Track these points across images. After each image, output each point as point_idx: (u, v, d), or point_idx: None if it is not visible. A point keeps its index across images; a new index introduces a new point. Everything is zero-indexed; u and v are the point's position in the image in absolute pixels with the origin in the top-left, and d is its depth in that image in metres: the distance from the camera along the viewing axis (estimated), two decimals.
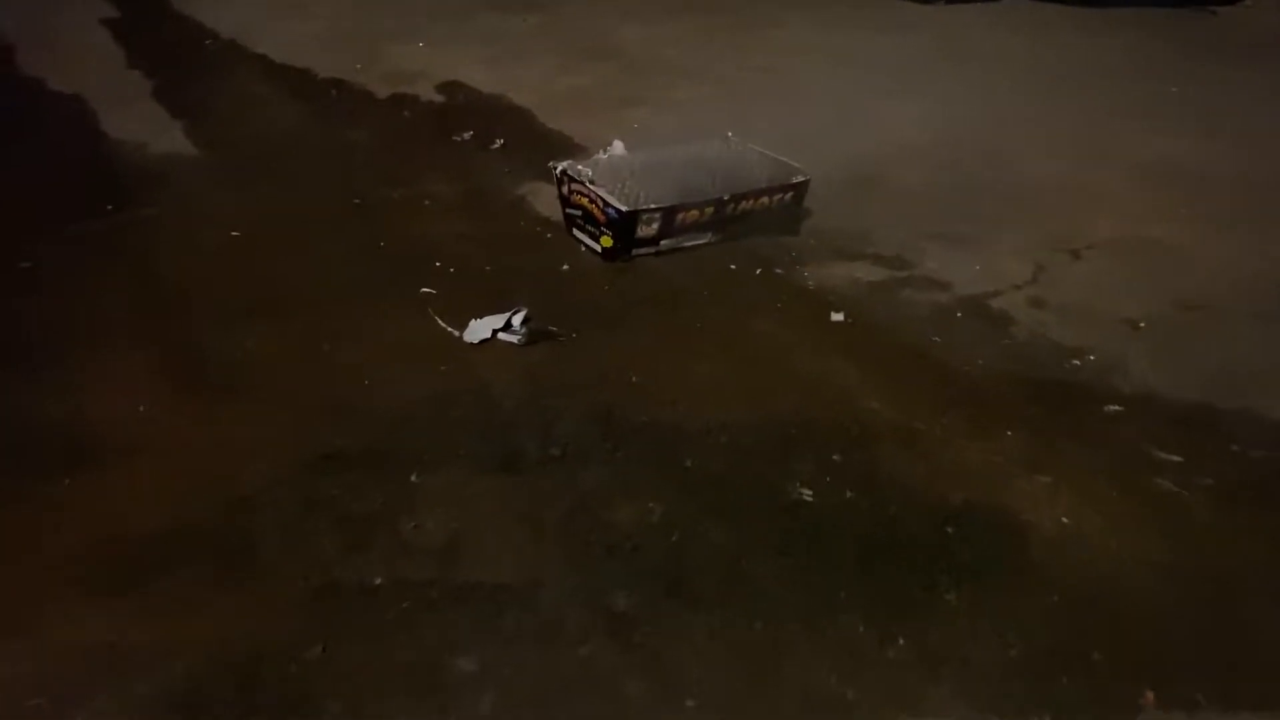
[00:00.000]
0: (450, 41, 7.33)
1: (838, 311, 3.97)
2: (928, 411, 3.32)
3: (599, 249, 4.38)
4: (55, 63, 6.72)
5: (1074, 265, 4.36)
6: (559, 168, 4.55)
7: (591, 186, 4.35)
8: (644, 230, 4.29)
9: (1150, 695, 2.44)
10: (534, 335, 3.79)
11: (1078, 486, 3.01)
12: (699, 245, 4.49)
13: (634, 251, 4.38)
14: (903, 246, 4.49)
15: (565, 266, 4.33)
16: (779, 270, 4.32)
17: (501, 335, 3.77)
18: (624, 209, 4.19)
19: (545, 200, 4.77)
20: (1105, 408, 3.37)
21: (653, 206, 4.24)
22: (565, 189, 4.52)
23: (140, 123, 5.89)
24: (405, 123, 6.04)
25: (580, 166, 4.47)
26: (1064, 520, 2.91)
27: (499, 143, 5.68)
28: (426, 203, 4.92)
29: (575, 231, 4.53)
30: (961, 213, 4.75)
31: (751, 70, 6.75)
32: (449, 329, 3.82)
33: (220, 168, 5.35)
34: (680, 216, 4.32)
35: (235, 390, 3.40)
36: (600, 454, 3.14)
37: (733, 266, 4.36)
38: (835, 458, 3.11)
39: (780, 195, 4.50)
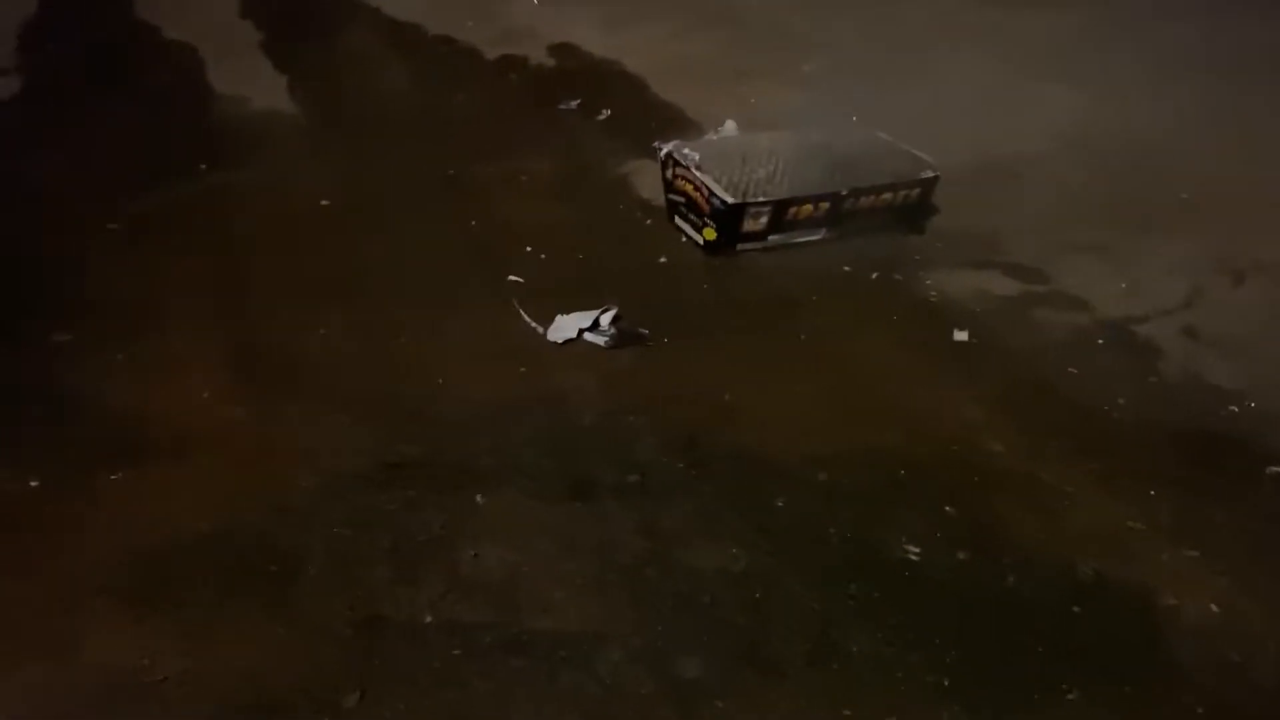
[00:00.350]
0: None
1: (961, 330, 3.54)
2: (1058, 460, 2.89)
3: (701, 241, 4.00)
4: (172, 9, 6.53)
5: (1236, 290, 3.82)
6: (664, 149, 4.17)
7: (697, 173, 3.96)
8: (751, 225, 3.89)
9: None
10: (622, 337, 3.45)
11: (1232, 566, 2.57)
12: (811, 241, 4.06)
13: (739, 246, 3.97)
14: (1040, 255, 4.01)
15: (663, 259, 3.96)
16: (898, 276, 3.88)
17: (588, 336, 3.45)
18: (730, 200, 3.80)
19: (649, 181, 4.42)
20: (1268, 469, 2.87)
21: (761, 200, 3.85)
22: (669, 172, 4.14)
23: (245, 77, 5.68)
24: (511, 87, 5.71)
25: (687, 150, 4.09)
26: (1214, 608, 2.48)
27: (605, 113, 5.30)
28: (523, 179, 4.59)
29: (677, 219, 4.16)
30: (1110, 218, 4.23)
31: (884, 44, 6.20)
32: (533, 324, 3.50)
33: (318, 129, 5.11)
34: (792, 211, 3.91)
35: (299, 384, 3.16)
36: (682, 485, 2.80)
37: (847, 269, 3.94)
38: (948, 509, 2.71)
39: (905, 192, 4.06)
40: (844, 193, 3.93)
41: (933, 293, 3.80)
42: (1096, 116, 5.12)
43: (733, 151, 4.21)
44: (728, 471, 2.84)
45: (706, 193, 3.90)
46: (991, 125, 4.98)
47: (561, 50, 6.20)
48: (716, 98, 5.43)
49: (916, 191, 4.08)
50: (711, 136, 4.49)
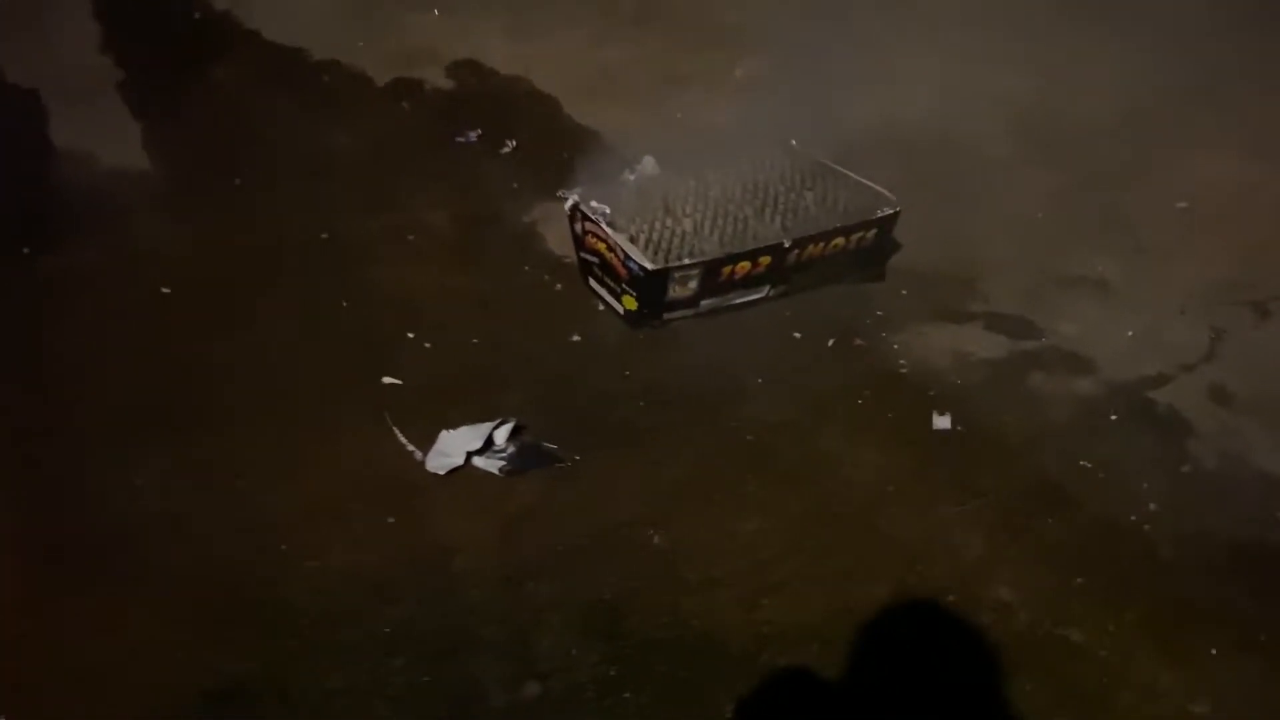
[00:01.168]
0: (472, 7, 6.01)
1: (942, 415, 2.76)
2: (1085, 606, 2.19)
3: (621, 310, 3.21)
4: (16, 44, 5.57)
5: (1262, 328, 3.03)
6: (569, 199, 3.33)
7: (609, 230, 3.12)
8: (678, 290, 3.10)
9: None
10: (523, 458, 2.68)
11: None
12: (753, 302, 3.23)
13: (666, 316, 3.15)
14: (1026, 297, 3.29)
15: (576, 336, 3.18)
16: (859, 340, 3.13)
17: (478, 461, 2.62)
18: (649, 266, 2.97)
19: (560, 231, 3.67)
20: None
21: (688, 262, 3.02)
22: (579, 226, 3.33)
23: (94, 127, 4.76)
24: (402, 119, 4.84)
25: (594, 202, 3.24)
26: None
27: (510, 145, 4.48)
28: (410, 237, 3.76)
29: (592, 282, 3.36)
30: (1101, 239, 3.53)
31: (828, 34, 5.36)
32: (410, 447, 2.70)
33: (172, 189, 4.24)
34: (727, 270, 3.08)
35: (105, 567, 2.35)
36: (597, 693, 1.98)
37: (797, 335, 3.17)
38: (955, 700, 1.89)
39: (861, 234, 3.24)
40: (787, 244, 3.13)
41: (902, 361, 3.05)
42: (1071, 108, 4.34)
43: (653, 196, 3.41)
44: (660, 664, 2.06)
45: (622, 255, 3.10)
46: (952, 124, 4.19)
47: (463, 69, 5.33)
48: (638, 116, 4.65)
49: (873, 232, 3.28)
50: (628, 177, 3.65)
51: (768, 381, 3.00)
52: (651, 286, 3.11)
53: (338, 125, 4.65)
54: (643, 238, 3.21)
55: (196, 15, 6.18)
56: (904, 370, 3.03)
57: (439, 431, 2.81)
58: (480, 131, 4.57)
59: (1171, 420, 2.78)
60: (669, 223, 3.29)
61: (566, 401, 2.93)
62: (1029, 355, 3.08)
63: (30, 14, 6.11)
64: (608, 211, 3.28)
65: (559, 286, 3.49)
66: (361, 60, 5.30)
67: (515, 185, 4.15)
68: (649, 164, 3.76)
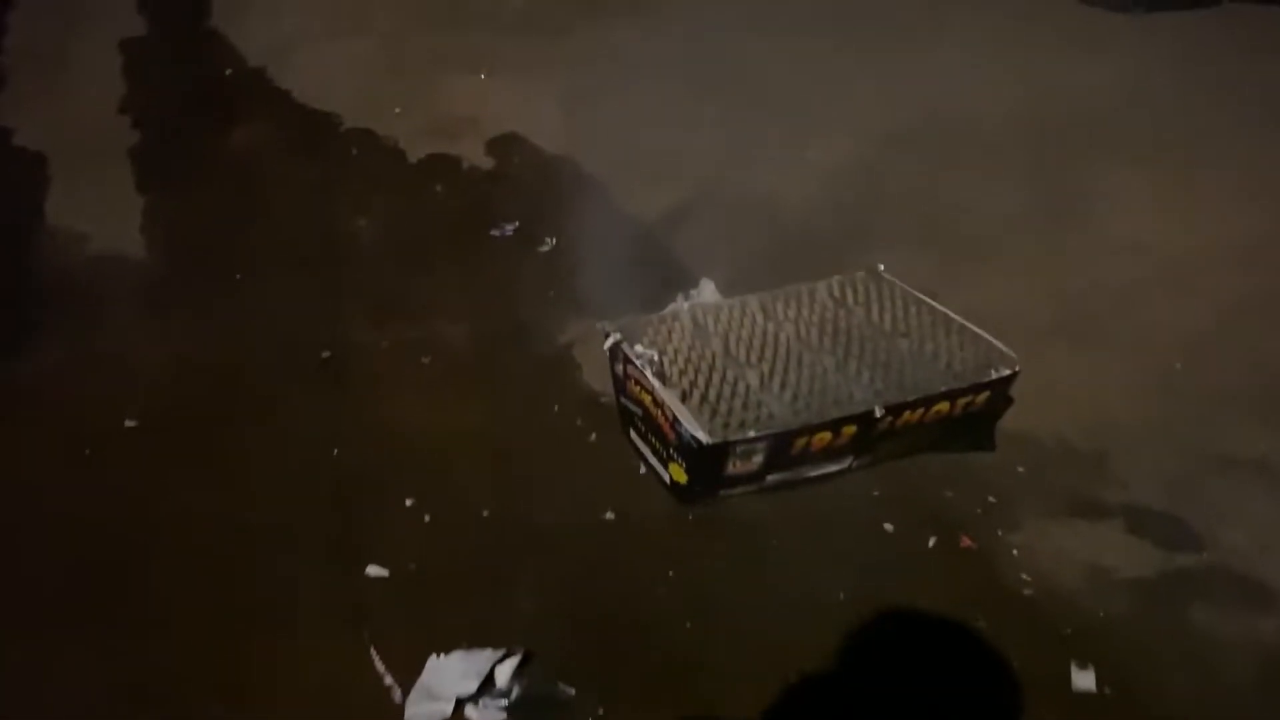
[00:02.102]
0: (524, 69, 5.38)
1: (1084, 666, 1.97)
2: None
3: (667, 479, 2.46)
4: (37, 101, 5.07)
5: None
6: (610, 336, 2.62)
7: (657, 385, 2.41)
8: (738, 466, 2.40)
9: None
10: (529, 709, 1.90)
11: None
12: (830, 474, 2.48)
13: (722, 493, 2.42)
14: (1173, 485, 2.55)
15: (609, 514, 2.46)
16: (968, 539, 2.35)
17: (471, 713, 1.88)
18: (705, 440, 2.24)
19: (597, 359, 3.01)
20: None
21: (754, 435, 2.30)
22: (619, 368, 2.61)
23: (93, 201, 4.21)
24: (433, 203, 4.21)
25: (639, 348, 2.54)
26: None
27: (550, 242, 3.78)
28: (425, 360, 3.12)
29: (633, 435, 2.62)
30: (1261, 402, 2.70)
31: (911, 106, 4.64)
32: (388, 680, 2.01)
33: (162, 282, 3.63)
34: (801, 443, 2.34)
35: None
36: None
37: (889, 527, 2.46)
38: None
39: (968, 399, 2.48)
40: (879, 413, 2.38)
41: (1025, 576, 2.33)
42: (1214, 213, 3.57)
43: (711, 335, 2.70)
44: None
45: (670, 416, 2.36)
46: (1068, 241, 3.44)
47: (505, 144, 4.69)
48: (691, 202, 3.91)
49: (984, 396, 2.51)
50: (681, 305, 2.94)
51: (852, 599, 2.24)
52: (706, 460, 2.38)
53: (360, 208, 4.02)
54: (697, 394, 2.51)
55: (228, 72, 5.60)
56: (1029, 591, 2.28)
57: (427, 655, 2.09)
58: (518, 224, 3.88)
59: None
60: (730, 373, 2.58)
61: (591, 614, 2.24)
62: (1188, 576, 2.33)
63: (55, 66, 5.60)
64: (655, 359, 2.58)
65: (593, 437, 2.80)
66: (396, 130, 4.69)
67: (551, 293, 3.45)
68: (708, 290, 3.07)
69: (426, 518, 2.52)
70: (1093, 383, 2.97)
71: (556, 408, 2.93)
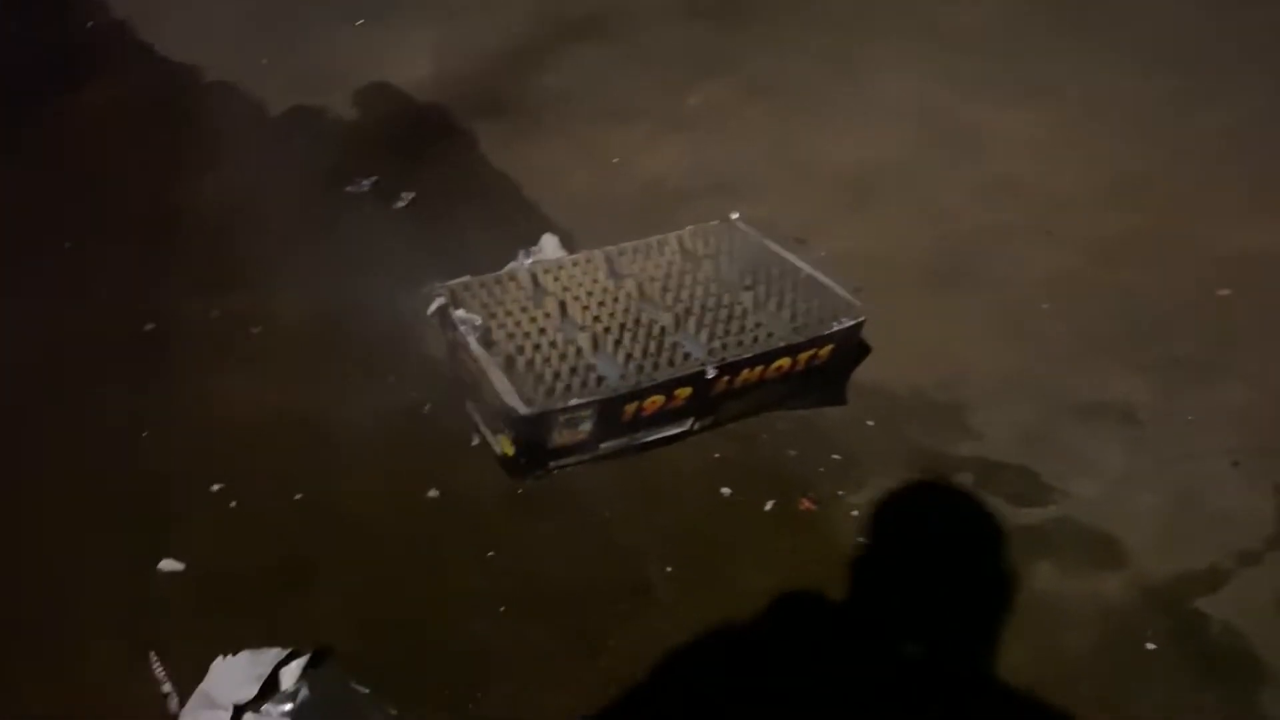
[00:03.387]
0: (400, 14, 5.05)
1: (919, 641, 1.79)
2: None
3: (498, 450, 2.25)
4: None
5: None
6: (436, 299, 2.41)
7: (480, 351, 2.20)
8: (565, 436, 2.20)
9: None
10: (316, 712, 1.68)
11: None
12: (672, 437, 2.31)
13: (553, 464, 2.23)
14: (1029, 436, 2.48)
15: (433, 492, 2.24)
16: (808, 500, 2.20)
17: None
18: (523, 410, 2.04)
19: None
20: None
21: (576, 402, 2.11)
22: (449, 334, 2.39)
23: None
24: (288, 159, 3.91)
25: (462, 312, 2.33)
26: None
27: (407, 198, 3.51)
28: (254, 330, 2.87)
29: (469, 404, 2.40)
30: (1127, 344, 2.68)
31: (809, 59, 4.41)
32: (167, 687, 1.83)
33: None
34: (632, 408, 2.16)
35: None
36: None
37: (726, 491, 2.27)
38: None
39: (811, 353, 2.30)
40: (710, 373, 2.19)
41: (862, 538, 2.09)
42: (1080, 148, 3.41)
43: (547, 296, 2.49)
44: None
45: (493, 389, 2.15)
46: (936, 181, 3.30)
47: (373, 94, 4.41)
48: (568, 159, 3.79)
49: (829, 348, 2.34)
50: (520, 263, 2.73)
51: (679, 571, 2.07)
52: (529, 432, 2.19)
53: (210, 167, 3.69)
54: (523, 359, 2.29)
55: (89, 24, 5.23)
56: (866, 553, 2.08)
57: (215, 656, 1.87)
58: (376, 179, 3.62)
59: (1232, 653, 1.84)
60: (562, 336, 2.38)
61: (398, 605, 2.03)
62: (1036, 534, 2.17)
63: None
64: (478, 323, 2.36)
65: (428, 408, 2.58)
66: (261, 83, 4.41)
67: (403, 255, 3.19)
68: (549, 245, 2.86)
69: (233, 504, 2.31)
70: (954, 330, 2.82)
71: (392, 378, 2.72)
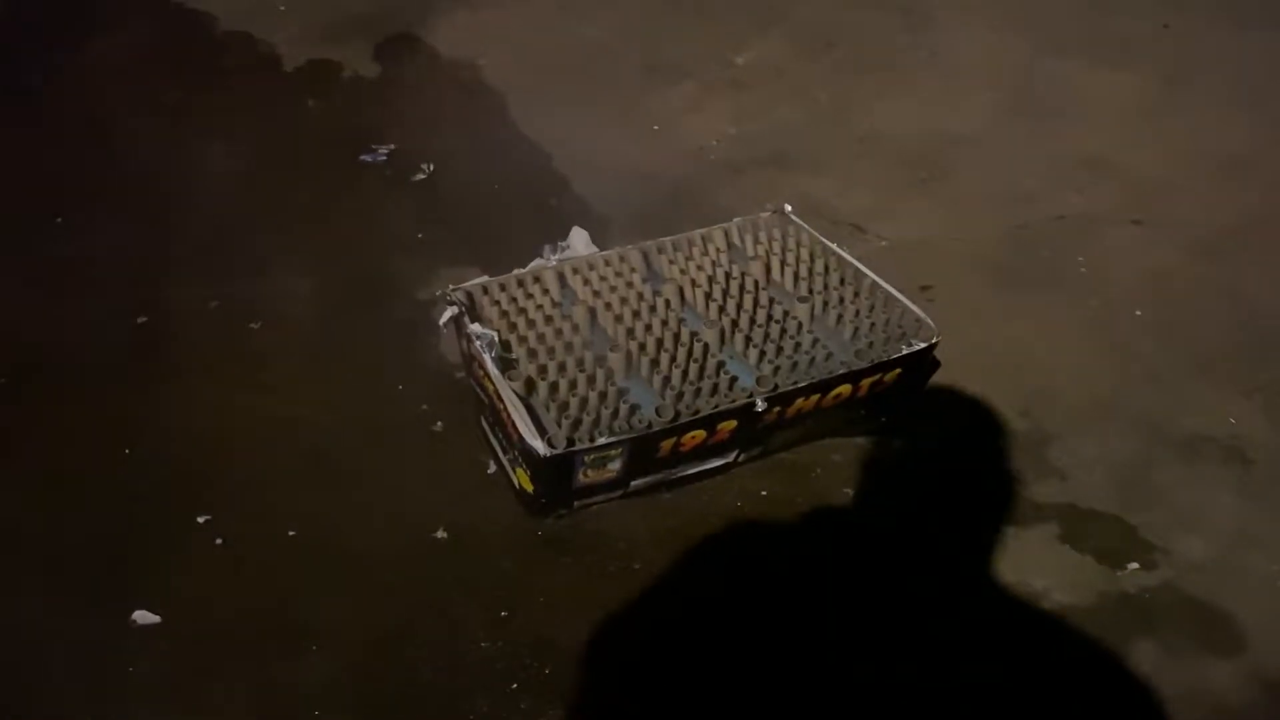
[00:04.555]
0: None
1: None
2: None
3: (516, 483, 1.96)
4: None
5: None
6: (449, 307, 2.13)
7: (494, 371, 1.92)
8: (591, 476, 1.89)
9: None
10: None
11: None
12: (711, 470, 2.01)
13: (578, 504, 1.94)
14: (1123, 477, 2.07)
15: (441, 533, 1.97)
16: (876, 562, 1.85)
17: None
18: (543, 451, 1.75)
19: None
20: None
21: (604, 441, 1.79)
22: (465, 345, 2.10)
23: None
24: (301, 123, 3.62)
25: (475, 327, 2.01)
26: None
27: (426, 170, 3.18)
28: (254, 326, 2.55)
29: (484, 422, 2.12)
30: (1235, 361, 2.25)
31: (873, 7, 4.01)
32: None
33: None
34: (670, 444, 1.85)
35: None
36: None
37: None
38: None
39: (875, 378, 1.98)
40: (760, 406, 1.86)
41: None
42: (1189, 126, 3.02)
43: (576, 302, 2.19)
44: None
45: (509, 418, 1.85)
46: (1021, 161, 2.95)
47: (399, 47, 4.08)
48: (604, 125, 3.47)
49: (896, 373, 2.01)
50: (546, 260, 2.42)
51: (713, 642, 1.76)
52: (549, 471, 1.88)
53: (215, 133, 3.39)
54: (545, 384, 1.98)
55: None
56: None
57: None
58: (393, 147, 3.30)
59: None
60: (591, 354, 2.06)
61: (398, 675, 1.75)
62: (1132, 604, 1.81)
63: None
64: (496, 339, 2.04)
65: (439, 425, 2.30)
66: (276, 34, 4.09)
67: (419, 236, 2.90)
68: (579, 241, 2.54)
69: (219, 540, 2.04)
70: (1034, 341, 2.46)
71: (401, 387, 2.42)
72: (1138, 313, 2.59)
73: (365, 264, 2.87)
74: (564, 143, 3.45)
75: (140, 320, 2.71)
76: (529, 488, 2.07)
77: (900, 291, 2.32)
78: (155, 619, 1.92)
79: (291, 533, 2.09)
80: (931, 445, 2.23)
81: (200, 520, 2.12)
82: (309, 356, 2.57)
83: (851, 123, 3.44)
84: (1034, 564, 1.97)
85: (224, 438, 2.33)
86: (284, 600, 1.94)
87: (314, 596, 1.95)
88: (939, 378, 2.41)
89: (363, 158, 3.43)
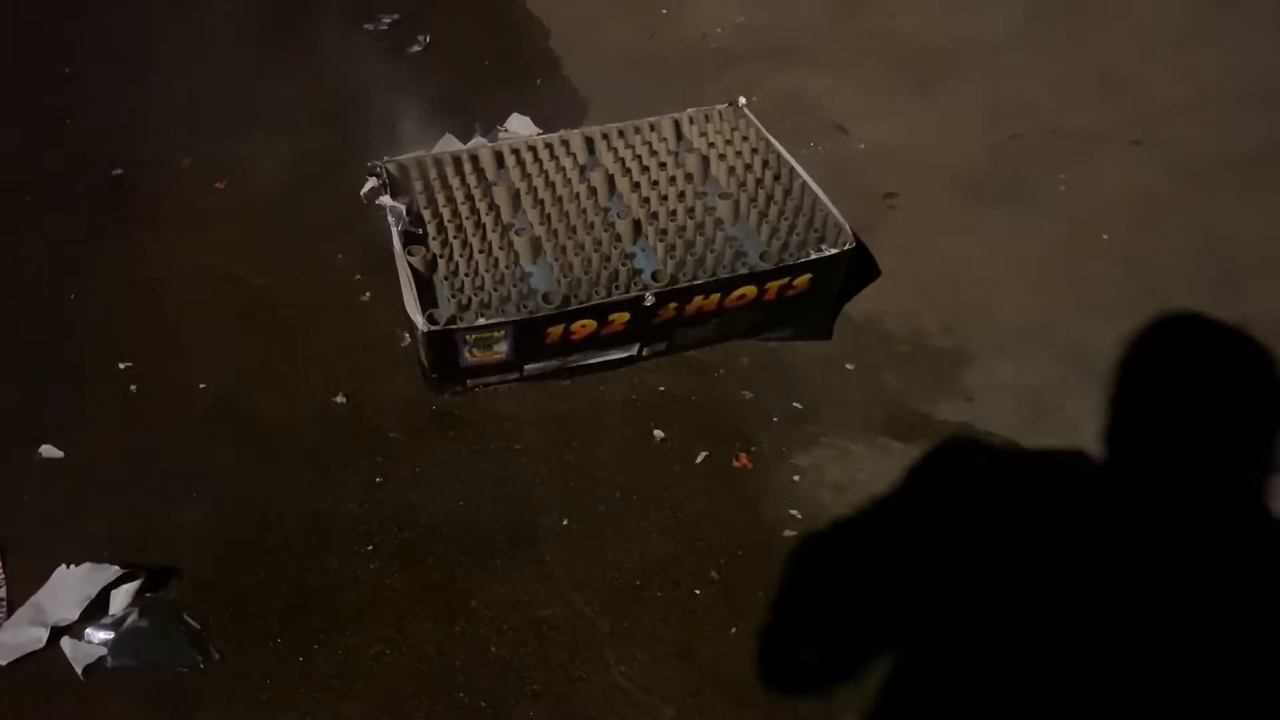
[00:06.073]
0: None
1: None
2: None
3: (420, 360, 2.01)
4: None
5: None
6: (371, 177, 2.17)
7: (397, 244, 1.96)
8: (477, 355, 1.93)
9: None
10: (137, 643, 1.64)
11: None
12: (615, 361, 2.02)
13: (471, 382, 1.98)
14: (1033, 400, 1.94)
15: (340, 397, 2.04)
16: (745, 456, 1.89)
17: (68, 646, 1.62)
18: (424, 325, 1.79)
19: None
20: None
21: (484, 322, 1.84)
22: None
23: None
24: None
25: (388, 199, 2.04)
26: None
27: (423, 41, 3.19)
28: (218, 185, 2.63)
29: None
30: (1209, 295, 2.12)
31: None
32: (1, 595, 1.65)
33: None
34: (556, 331, 1.87)
35: None
36: None
37: (658, 434, 2.01)
38: None
39: (783, 281, 1.95)
40: (649, 301, 1.86)
41: (794, 511, 1.81)
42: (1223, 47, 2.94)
43: (502, 183, 2.19)
44: None
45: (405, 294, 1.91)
46: (1031, 72, 3.02)
47: None
48: (610, 5, 3.41)
49: (806, 277, 1.97)
50: (478, 140, 2.40)
51: (574, 525, 1.81)
52: (433, 349, 1.91)
53: None
54: (446, 263, 1.99)
55: None
56: (789, 533, 1.79)
57: (67, 558, 1.73)
58: (397, 16, 3.29)
59: None
60: (502, 236, 2.06)
61: (265, 525, 1.83)
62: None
63: None
64: (404, 214, 2.05)
65: (367, 296, 2.35)
66: None
67: (400, 108, 2.88)
68: (518, 125, 2.51)
69: (133, 388, 2.13)
70: (984, 259, 2.38)
71: (340, 256, 2.48)
72: (1105, 237, 2.45)
73: (340, 133, 2.89)
74: (567, 22, 3.39)
75: (116, 172, 2.78)
76: (425, 363, 2.08)
77: (863, 197, 2.23)
78: (59, 454, 2.01)
79: (202, 385, 2.16)
80: (844, 354, 2.17)
81: (121, 366, 2.19)
82: (262, 219, 2.62)
83: (863, 18, 3.28)
84: (911, 480, 1.91)
85: (163, 290, 2.41)
86: (179, 446, 2.02)
87: (204, 445, 2.02)
88: (873, 289, 2.32)
89: (367, 25, 3.40)
